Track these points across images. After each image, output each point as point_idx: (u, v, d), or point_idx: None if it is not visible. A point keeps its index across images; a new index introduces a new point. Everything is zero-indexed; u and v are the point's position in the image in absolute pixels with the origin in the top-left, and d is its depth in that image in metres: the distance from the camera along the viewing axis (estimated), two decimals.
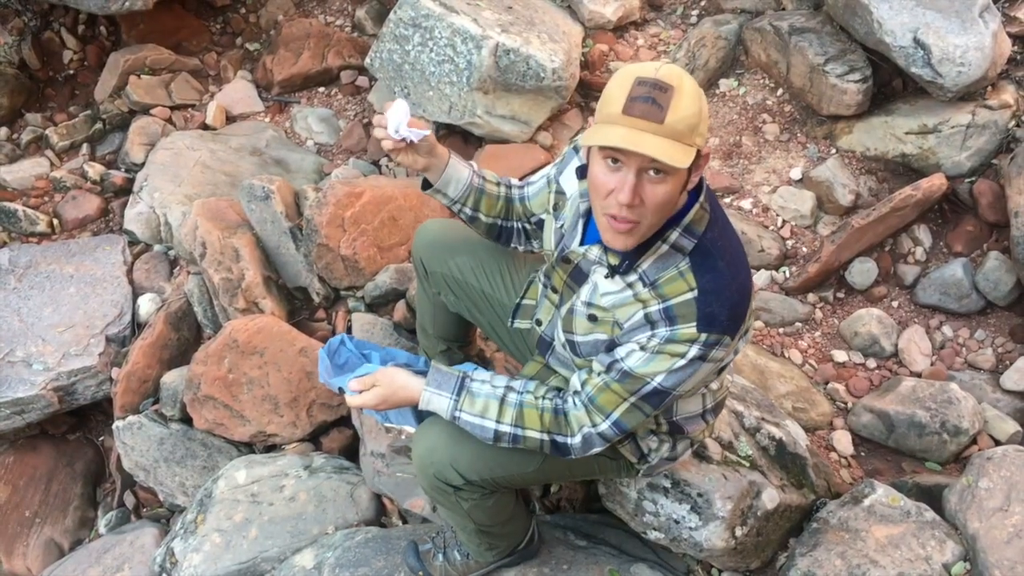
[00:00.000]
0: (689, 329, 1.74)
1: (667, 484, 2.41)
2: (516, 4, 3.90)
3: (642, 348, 1.79)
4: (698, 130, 1.60)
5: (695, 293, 1.74)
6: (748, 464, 2.54)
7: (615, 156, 1.63)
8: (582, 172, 1.91)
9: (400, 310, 3.27)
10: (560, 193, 2.05)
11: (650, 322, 1.78)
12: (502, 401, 1.95)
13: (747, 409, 2.72)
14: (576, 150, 2.04)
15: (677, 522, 2.39)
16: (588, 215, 1.92)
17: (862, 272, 3.39)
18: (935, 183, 3.32)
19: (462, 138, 3.93)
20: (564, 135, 3.84)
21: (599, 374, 1.86)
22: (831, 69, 3.53)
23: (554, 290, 2.04)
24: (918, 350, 3.26)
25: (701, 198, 1.77)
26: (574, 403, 1.91)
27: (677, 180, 1.65)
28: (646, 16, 4.30)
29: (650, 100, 1.56)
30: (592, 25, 4.12)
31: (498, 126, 3.71)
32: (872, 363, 3.27)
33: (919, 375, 3.21)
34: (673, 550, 2.51)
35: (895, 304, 3.40)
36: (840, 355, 3.29)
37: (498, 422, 1.93)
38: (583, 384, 1.90)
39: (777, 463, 2.65)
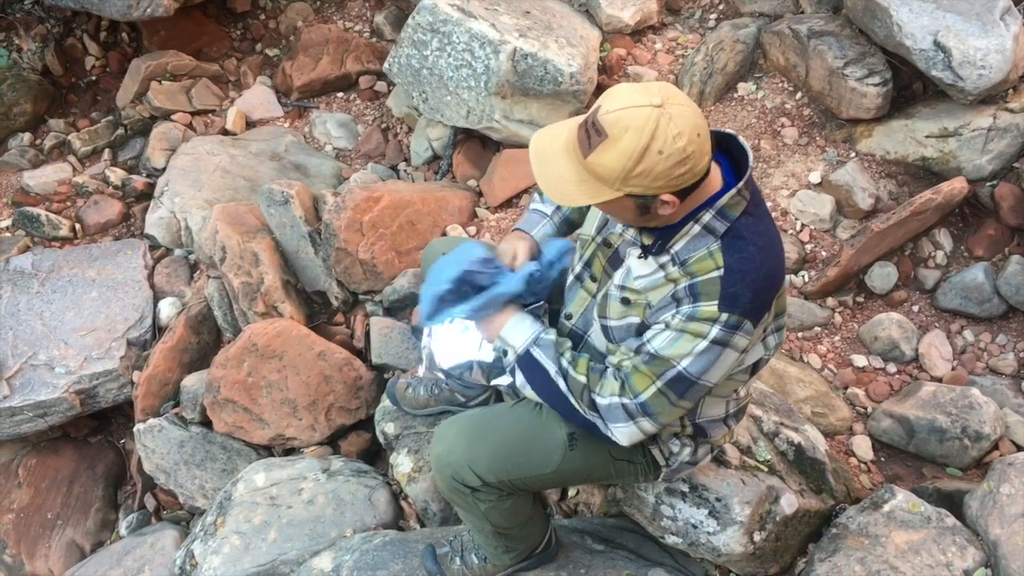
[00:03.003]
0: (711, 307, 1.75)
1: (685, 489, 2.40)
2: (534, 9, 3.91)
3: (667, 327, 1.80)
4: (627, 181, 1.63)
5: (721, 272, 1.76)
6: (767, 469, 2.53)
7: None
8: None
9: (418, 314, 3.27)
10: None
11: (676, 299, 1.80)
12: (564, 343, 2.02)
13: (766, 414, 2.71)
14: None
15: (695, 527, 2.38)
16: None
17: (882, 276, 3.37)
18: (956, 187, 3.30)
19: (480, 142, 3.93)
20: None
21: (630, 357, 1.88)
22: (850, 72, 3.51)
23: (593, 279, 2.06)
24: (939, 355, 3.23)
25: (740, 184, 1.77)
26: (614, 374, 1.92)
27: (615, 202, 1.70)
28: (664, 20, 4.30)
29: (586, 133, 1.65)
30: (610, 29, 4.12)
31: (516, 131, 3.71)
32: (892, 368, 3.25)
33: (940, 380, 3.18)
34: (691, 555, 2.51)
35: (915, 308, 3.38)
36: (860, 360, 3.27)
37: (561, 354, 1.97)
38: (619, 364, 1.91)
39: (796, 468, 2.64)
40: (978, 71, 3.23)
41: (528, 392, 2.06)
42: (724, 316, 1.75)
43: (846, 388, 3.20)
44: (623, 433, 1.93)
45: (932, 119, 3.44)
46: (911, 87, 3.62)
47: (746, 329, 1.78)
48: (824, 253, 3.44)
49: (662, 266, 1.84)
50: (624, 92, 1.63)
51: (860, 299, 3.41)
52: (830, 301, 3.39)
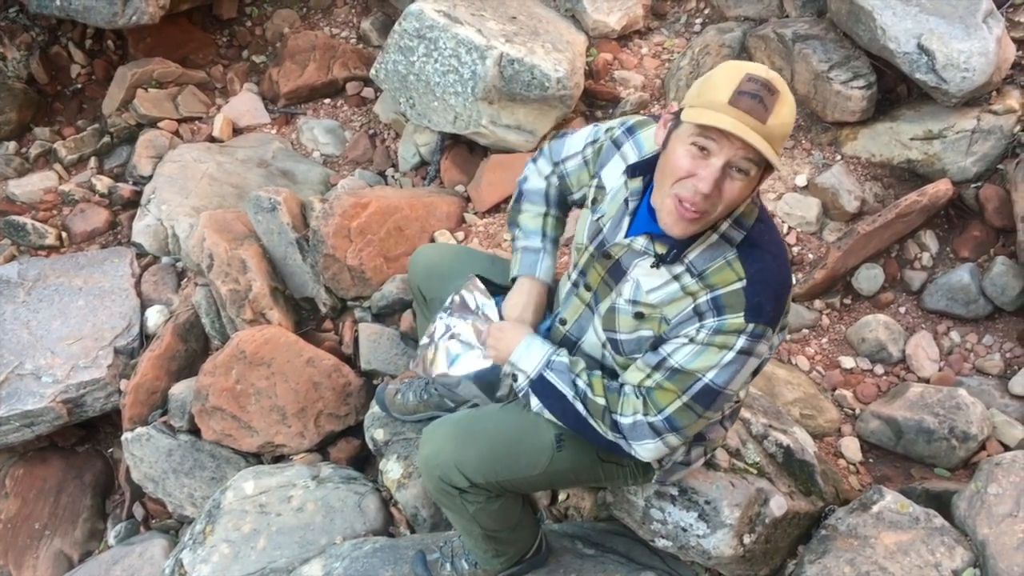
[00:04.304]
0: (737, 319, 1.76)
1: (674, 492, 2.41)
2: (520, 14, 3.92)
3: (691, 341, 1.80)
4: (785, 140, 1.64)
5: (744, 283, 1.77)
6: (756, 471, 2.53)
7: (705, 145, 1.65)
8: (633, 171, 1.91)
9: (407, 320, 3.27)
10: (600, 188, 2.05)
11: (698, 313, 1.80)
12: (577, 363, 2.00)
13: (754, 416, 2.72)
14: (617, 145, 2.03)
15: (685, 530, 2.38)
16: (636, 212, 1.93)
17: (869, 278, 3.39)
18: (941, 189, 3.32)
19: (467, 148, 3.94)
20: None
21: (649, 375, 1.87)
22: (835, 76, 3.53)
23: (587, 288, 2.04)
24: (926, 356, 3.25)
25: (754, 192, 1.79)
26: (634, 392, 1.91)
27: (752, 182, 1.68)
28: (650, 25, 4.31)
29: (757, 98, 1.59)
30: (596, 34, 4.13)
31: (503, 136, 3.72)
32: (880, 369, 3.27)
33: (927, 381, 3.19)
34: (681, 558, 2.51)
35: (902, 310, 3.40)
36: (847, 361, 3.28)
37: (577, 375, 1.97)
38: (639, 384, 1.90)
39: (785, 470, 2.65)
40: (961, 74, 3.25)
41: (545, 415, 2.04)
42: (751, 327, 1.77)
43: (834, 390, 3.21)
44: (648, 450, 1.94)
45: (917, 122, 3.46)
46: (895, 90, 3.64)
47: (768, 336, 1.81)
48: (811, 255, 3.45)
49: (676, 277, 1.83)
50: (741, 62, 1.67)
51: (847, 301, 3.43)
52: (817, 303, 3.40)
